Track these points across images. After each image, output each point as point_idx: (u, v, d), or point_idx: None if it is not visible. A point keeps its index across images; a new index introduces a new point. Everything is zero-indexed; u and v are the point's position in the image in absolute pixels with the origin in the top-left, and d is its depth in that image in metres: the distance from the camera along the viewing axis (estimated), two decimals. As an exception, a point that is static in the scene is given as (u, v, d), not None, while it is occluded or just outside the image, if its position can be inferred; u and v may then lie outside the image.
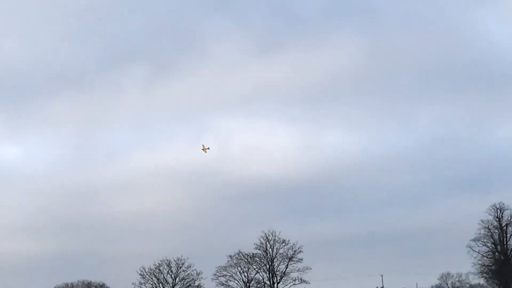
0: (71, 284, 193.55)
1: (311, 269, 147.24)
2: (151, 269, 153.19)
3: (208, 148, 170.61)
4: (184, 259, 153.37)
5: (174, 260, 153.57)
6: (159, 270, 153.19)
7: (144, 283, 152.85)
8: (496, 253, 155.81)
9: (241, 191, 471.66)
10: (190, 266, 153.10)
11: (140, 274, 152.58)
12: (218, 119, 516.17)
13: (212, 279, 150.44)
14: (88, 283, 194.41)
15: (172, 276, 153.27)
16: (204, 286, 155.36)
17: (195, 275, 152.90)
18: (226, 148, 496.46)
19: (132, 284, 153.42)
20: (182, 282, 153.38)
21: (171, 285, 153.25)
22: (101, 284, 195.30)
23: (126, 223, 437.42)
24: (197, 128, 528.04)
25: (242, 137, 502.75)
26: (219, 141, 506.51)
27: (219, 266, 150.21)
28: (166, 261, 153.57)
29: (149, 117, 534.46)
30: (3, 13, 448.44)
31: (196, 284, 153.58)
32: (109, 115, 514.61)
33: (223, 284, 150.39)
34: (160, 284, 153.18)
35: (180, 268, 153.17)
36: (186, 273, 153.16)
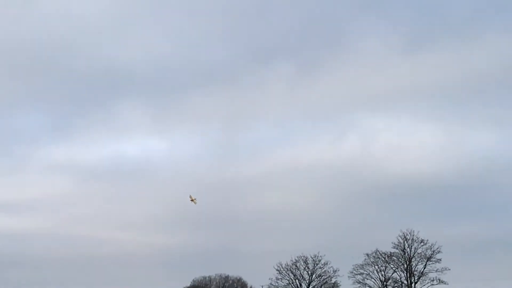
0: (208, 277, 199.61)
1: (449, 269, 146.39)
2: (287, 265, 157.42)
3: (195, 199, 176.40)
4: (321, 256, 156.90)
5: (311, 256, 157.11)
6: (296, 266, 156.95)
7: (281, 278, 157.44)
8: None
9: (381, 190, 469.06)
10: (326, 263, 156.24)
11: (277, 270, 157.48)
12: (362, 118, 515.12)
13: (348, 276, 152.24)
14: (226, 277, 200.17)
15: (309, 272, 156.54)
16: (340, 283, 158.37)
17: (332, 272, 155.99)
18: (368, 147, 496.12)
19: (269, 279, 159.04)
20: (318, 278, 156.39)
21: (307, 281, 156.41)
22: (238, 278, 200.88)
23: (265, 220, 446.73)
24: (340, 126, 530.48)
25: (385, 136, 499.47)
26: (362, 140, 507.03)
27: (356, 264, 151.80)
28: (303, 257, 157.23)
29: (293, 114, 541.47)
30: (155, 12, 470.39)
31: (332, 281, 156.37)
32: (254, 111, 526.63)
33: (359, 282, 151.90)
34: (297, 280, 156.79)
35: (317, 265, 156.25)
36: (322, 270, 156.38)
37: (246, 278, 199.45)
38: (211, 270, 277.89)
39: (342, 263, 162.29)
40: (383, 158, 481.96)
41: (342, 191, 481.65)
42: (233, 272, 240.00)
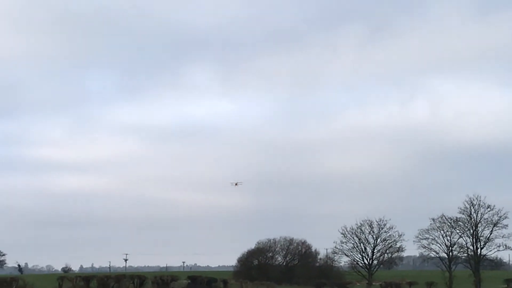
0: (273, 240, 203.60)
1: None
2: (352, 229, 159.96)
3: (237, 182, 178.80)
4: (386, 220, 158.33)
5: (376, 220, 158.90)
6: (361, 230, 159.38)
7: (346, 242, 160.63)
8: None
9: (448, 155, 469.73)
10: (392, 228, 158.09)
11: (342, 233, 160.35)
12: (432, 81, 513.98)
13: (414, 241, 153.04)
14: (290, 239, 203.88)
15: (374, 236, 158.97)
16: (405, 248, 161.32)
17: (397, 236, 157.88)
18: (438, 111, 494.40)
19: (334, 242, 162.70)
20: (383, 243, 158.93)
21: (372, 245, 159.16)
22: (302, 241, 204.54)
23: (331, 183, 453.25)
24: (409, 89, 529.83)
25: (455, 100, 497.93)
26: (431, 104, 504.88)
27: (422, 229, 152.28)
28: (368, 221, 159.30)
29: (362, 77, 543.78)
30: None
31: (397, 245, 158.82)
32: (323, 74, 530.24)
33: (425, 247, 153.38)
34: (362, 244, 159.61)
35: (382, 229, 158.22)
36: (387, 234, 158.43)
37: (310, 241, 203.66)
38: (276, 233, 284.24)
39: (407, 227, 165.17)
40: (451, 122, 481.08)
41: (410, 154, 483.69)
42: (297, 235, 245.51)
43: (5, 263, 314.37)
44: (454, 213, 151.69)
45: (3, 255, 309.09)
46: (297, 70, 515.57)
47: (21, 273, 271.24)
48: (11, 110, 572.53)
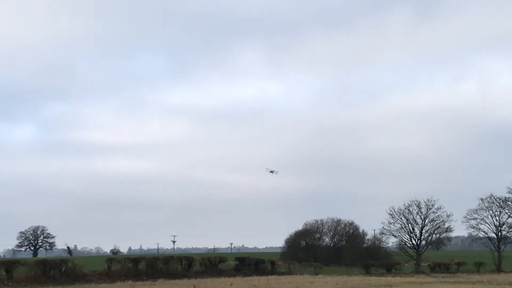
0: (321, 221, 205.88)
1: None
2: (400, 209, 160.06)
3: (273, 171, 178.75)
4: (434, 201, 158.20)
5: (424, 201, 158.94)
6: (409, 210, 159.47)
7: (393, 222, 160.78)
8: None
9: (498, 134, 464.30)
10: (440, 208, 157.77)
11: (390, 214, 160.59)
12: (481, 61, 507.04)
13: (462, 221, 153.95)
14: (337, 220, 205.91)
15: (422, 217, 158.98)
16: (454, 228, 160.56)
17: (445, 217, 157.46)
18: (487, 90, 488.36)
19: (381, 223, 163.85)
20: (431, 223, 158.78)
21: (420, 226, 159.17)
22: (350, 222, 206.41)
23: (379, 164, 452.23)
24: (459, 69, 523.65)
25: (504, 79, 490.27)
26: (481, 84, 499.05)
27: (470, 209, 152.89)
28: (415, 202, 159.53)
29: (410, 57, 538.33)
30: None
31: (445, 226, 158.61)
32: (371, 55, 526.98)
33: (473, 227, 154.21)
34: (409, 225, 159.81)
35: (430, 209, 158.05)
36: (435, 215, 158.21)
37: (358, 222, 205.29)
38: (323, 214, 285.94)
39: (456, 208, 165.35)
40: (501, 101, 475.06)
41: (457, 135, 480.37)
42: (345, 216, 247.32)
43: (54, 245, 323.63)
44: (503, 193, 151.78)
45: (53, 237, 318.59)
46: (345, 50, 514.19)
47: (71, 255, 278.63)
48: (61, 93, 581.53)
